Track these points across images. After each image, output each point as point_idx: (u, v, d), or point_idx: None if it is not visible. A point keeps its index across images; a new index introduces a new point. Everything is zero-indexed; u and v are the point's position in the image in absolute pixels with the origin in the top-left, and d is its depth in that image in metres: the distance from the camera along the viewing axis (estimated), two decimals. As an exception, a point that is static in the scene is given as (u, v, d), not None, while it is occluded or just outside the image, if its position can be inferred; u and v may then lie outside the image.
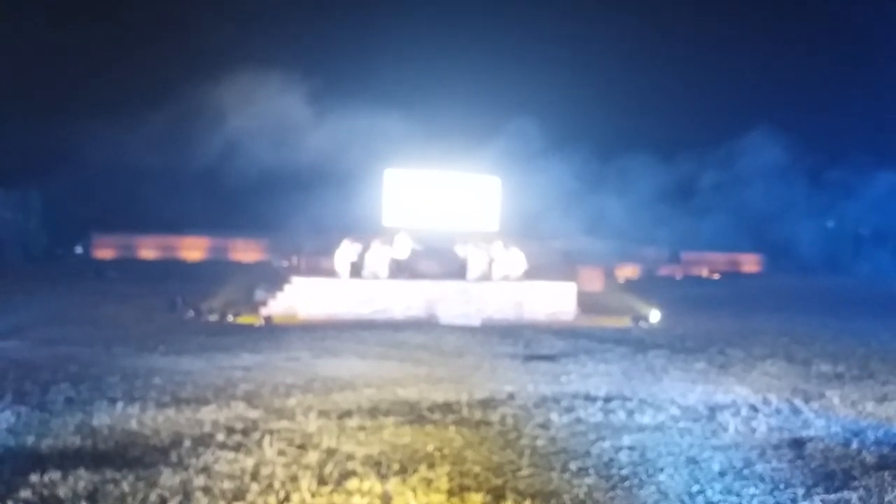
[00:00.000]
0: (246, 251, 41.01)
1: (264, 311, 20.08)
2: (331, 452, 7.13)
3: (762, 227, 41.31)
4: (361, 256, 22.44)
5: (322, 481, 6.26)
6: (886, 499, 6.21)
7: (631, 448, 7.57)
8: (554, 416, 8.84)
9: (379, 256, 22.50)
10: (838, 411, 9.61)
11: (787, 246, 46.88)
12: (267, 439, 7.45)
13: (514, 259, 24.07)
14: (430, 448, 7.42)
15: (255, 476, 6.36)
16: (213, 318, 19.39)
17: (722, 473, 6.83)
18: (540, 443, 7.72)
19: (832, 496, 6.26)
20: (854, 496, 6.24)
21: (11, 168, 36.13)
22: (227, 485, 6.08)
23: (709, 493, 6.29)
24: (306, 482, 6.18)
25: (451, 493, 6.09)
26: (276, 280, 24.05)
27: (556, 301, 22.93)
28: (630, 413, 9.12)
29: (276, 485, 6.14)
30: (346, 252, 22.36)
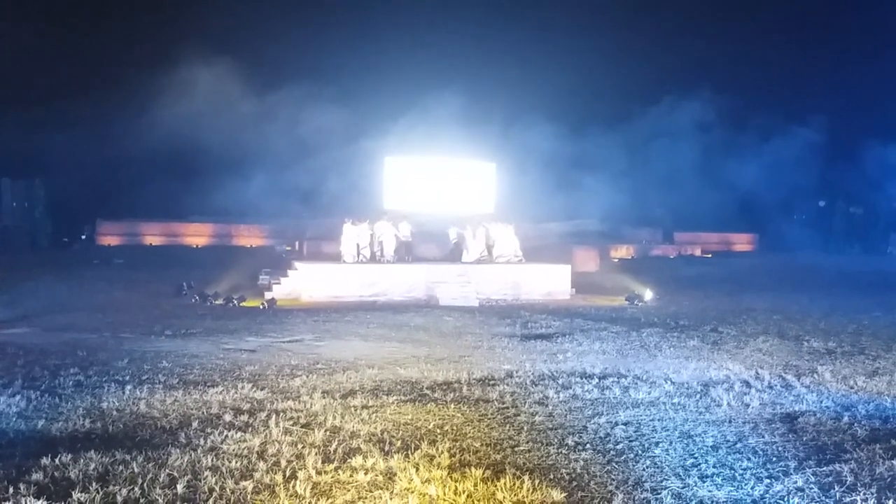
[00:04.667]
0: (249, 237, 41.11)
1: (268, 295, 20.24)
2: (335, 431, 7.26)
3: (754, 206, 41.45)
4: (366, 238, 22.62)
5: (327, 459, 6.38)
6: (877, 471, 6.26)
7: (626, 423, 7.69)
8: (551, 394, 8.98)
9: (385, 237, 22.66)
10: (830, 386, 9.73)
11: (779, 225, 47.07)
12: (273, 419, 7.57)
13: (509, 237, 24.21)
14: (431, 425, 7.56)
15: (261, 455, 6.47)
16: (218, 302, 19.56)
17: (715, 447, 6.91)
18: (538, 419, 7.85)
19: (824, 469, 6.32)
20: (846, 469, 6.30)
21: (17, 158, 36.21)
22: (234, 464, 6.18)
23: (703, 466, 6.37)
24: (312, 460, 6.29)
25: (452, 468, 6.21)
26: (279, 265, 24.24)
27: (552, 282, 23.10)
28: (625, 389, 9.26)
29: (283, 463, 6.25)
30: (350, 234, 22.53)
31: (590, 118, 36.90)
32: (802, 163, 39.14)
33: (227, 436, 7.01)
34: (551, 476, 6.10)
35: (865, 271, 32.46)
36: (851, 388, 9.69)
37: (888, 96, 42.80)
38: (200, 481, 5.80)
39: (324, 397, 8.70)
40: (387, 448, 6.73)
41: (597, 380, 9.82)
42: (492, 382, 9.72)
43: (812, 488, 5.90)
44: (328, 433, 7.17)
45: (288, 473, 6.02)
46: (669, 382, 9.74)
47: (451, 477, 6.00)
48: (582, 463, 6.43)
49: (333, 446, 6.74)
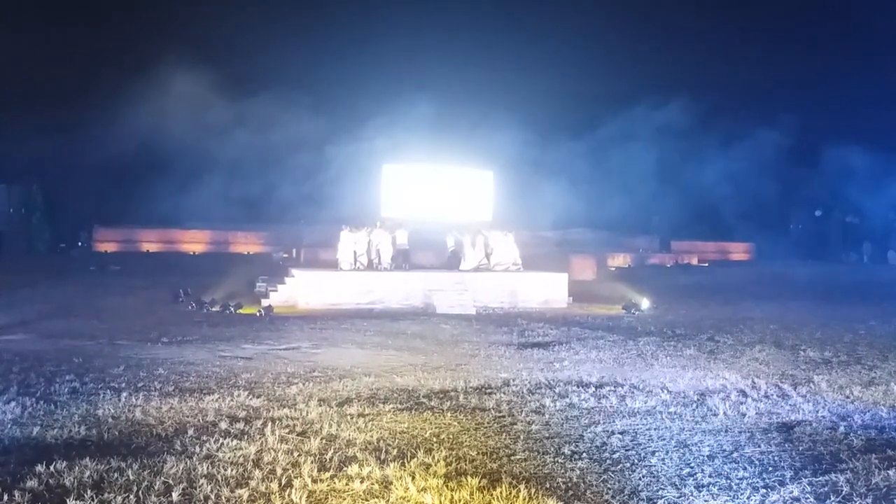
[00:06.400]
0: (247, 244, 41.17)
1: (265, 303, 20.24)
2: (331, 439, 7.26)
3: (750, 215, 41.66)
4: (363, 245, 22.67)
5: (323, 467, 6.37)
6: (873, 481, 6.25)
7: (623, 432, 7.69)
8: (548, 402, 8.98)
9: (383, 245, 22.71)
10: (826, 396, 9.74)
11: (775, 234, 47.29)
12: (269, 427, 7.57)
13: (508, 246, 24.28)
14: (427, 434, 7.56)
15: (257, 463, 6.46)
16: (215, 309, 19.55)
17: (712, 457, 6.92)
18: (534, 428, 7.85)
19: (820, 479, 6.32)
20: (842, 479, 6.30)
21: (14, 163, 36.31)
22: (230, 472, 6.17)
23: (699, 475, 6.37)
24: (307, 468, 6.28)
25: (448, 477, 6.20)
26: (276, 272, 24.26)
27: (549, 290, 23.14)
28: (622, 398, 9.26)
29: (279, 471, 6.24)
30: (347, 242, 22.57)
31: (586, 126, 37.06)
32: (797, 172, 39.42)
33: (222, 443, 7.00)
34: (547, 485, 6.09)
35: (861, 281, 32.53)
36: (847, 397, 9.71)
37: (882, 106, 43.12)
38: (196, 489, 5.79)
39: (320, 405, 8.69)
40: (383, 456, 6.72)
41: (593, 389, 9.83)
42: (488, 391, 9.72)
43: (808, 498, 5.91)
44: (324, 441, 7.16)
45: (284, 481, 6.01)
46: (666, 391, 9.76)
47: (447, 486, 5.99)
48: (578, 472, 6.43)
49: (329, 454, 6.73)
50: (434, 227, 25.43)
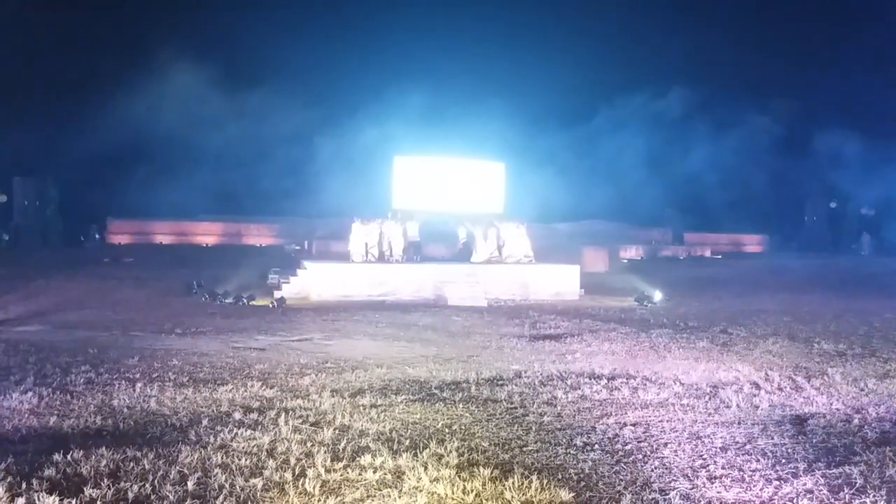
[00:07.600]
0: (259, 236, 41.35)
1: (277, 294, 20.33)
2: (344, 429, 7.29)
3: (764, 206, 41.43)
4: (375, 237, 22.73)
5: (336, 457, 6.41)
6: (888, 473, 6.24)
7: (635, 424, 7.69)
8: (560, 394, 8.99)
9: (394, 236, 22.77)
10: (840, 388, 9.68)
11: (790, 226, 47.01)
12: (282, 417, 7.62)
13: (520, 238, 24.28)
14: (440, 425, 7.59)
15: (271, 453, 6.51)
16: (228, 301, 19.66)
17: (724, 449, 6.90)
18: (546, 419, 7.86)
19: (833, 471, 6.30)
20: (855, 471, 6.28)
21: (28, 157, 36.59)
22: (244, 461, 6.22)
23: (711, 467, 6.37)
24: (321, 458, 6.32)
25: (460, 467, 6.22)
26: (288, 264, 24.37)
27: (561, 282, 23.11)
28: (634, 390, 9.25)
29: (292, 461, 6.29)
30: (359, 233, 22.64)
31: (598, 118, 36.95)
32: (812, 163, 39.16)
33: (236, 433, 7.05)
34: (560, 476, 6.11)
35: (876, 273, 32.30)
36: (862, 390, 9.65)
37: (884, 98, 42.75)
38: (210, 478, 5.84)
39: (333, 396, 8.73)
40: (395, 447, 6.76)
41: (606, 380, 9.82)
42: (500, 382, 9.73)
43: (821, 490, 5.89)
44: (337, 431, 7.20)
45: (297, 471, 6.06)
46: (678, 383, 9.73)
47: (459, 476, 6.01)
48: (590, 463, 6.44)
49: (342, 445, 6.77)
50: (445, 218, 25.44)
